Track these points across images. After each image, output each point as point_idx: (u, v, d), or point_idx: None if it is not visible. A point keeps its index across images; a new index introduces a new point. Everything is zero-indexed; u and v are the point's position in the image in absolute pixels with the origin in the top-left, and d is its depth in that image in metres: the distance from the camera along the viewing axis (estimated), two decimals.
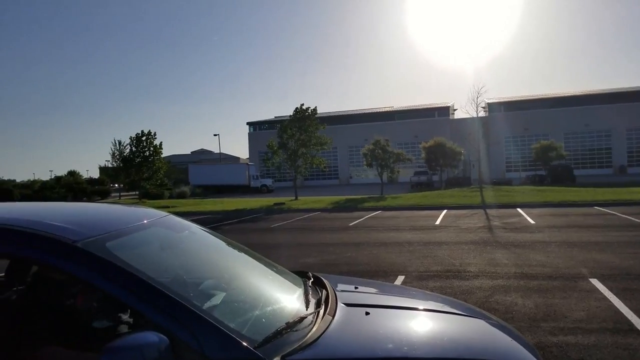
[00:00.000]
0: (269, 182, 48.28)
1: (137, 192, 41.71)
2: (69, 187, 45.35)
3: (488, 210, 17.86)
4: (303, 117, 30.00)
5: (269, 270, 2.56)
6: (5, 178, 75.17)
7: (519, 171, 47.99)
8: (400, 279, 7.14)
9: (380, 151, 31.52)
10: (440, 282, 6.85)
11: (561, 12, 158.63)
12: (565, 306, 5.42)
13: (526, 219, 14.42)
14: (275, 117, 61.11)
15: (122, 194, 48.44)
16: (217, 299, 1.97)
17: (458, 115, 55.65)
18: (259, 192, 44.84)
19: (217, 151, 68.64)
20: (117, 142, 38.52)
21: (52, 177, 77.50)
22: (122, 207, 2.75)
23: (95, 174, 69.47)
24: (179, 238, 2.52)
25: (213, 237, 2.74)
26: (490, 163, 49.68)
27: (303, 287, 2.42)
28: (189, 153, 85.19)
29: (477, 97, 27.05)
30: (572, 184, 32.86)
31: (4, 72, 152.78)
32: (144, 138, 37.07)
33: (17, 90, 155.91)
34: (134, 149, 37.03)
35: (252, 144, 61.45)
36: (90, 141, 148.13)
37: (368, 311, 2.15)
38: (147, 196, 40.28)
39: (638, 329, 4.58)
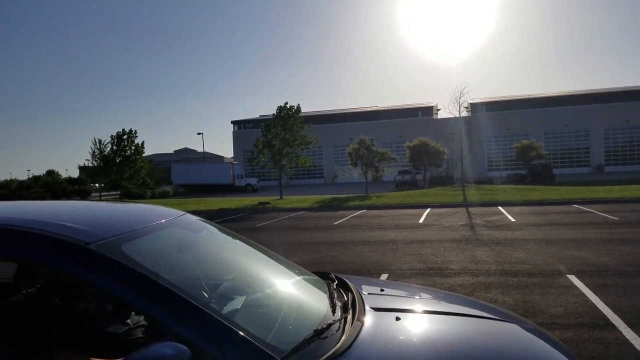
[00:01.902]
0: (253, 181, 48.08)
1: (118, 192, 41.18)
2: (48, 186, 44.58)
3: (470, 209, 18.11)
4: (287, 116, 29.99)
5: (290, 272, 2.44)
6: None
7: (501, 170, 48.70)
8: (383, 277, 7.22)
9: (365, 150, 31.69)
10: (423, 280, 6.95)
11: (542, 15, 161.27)
12: (543, 302, 5.56)
13: (507, 217, 14.67)
14: (260, 115, 60.90)
15: (102, 193, 47.76)
16: (237, 303, 1.86)
17: (442, 115, 56.24)
18: (244, 192, 44.64)
19: (200, 150, 68.09)
20: (97, 140, 37.96)
21: (30, 176, 76.15)
22: (137, 206, 2.66)
23: (75, 174, 68.39)
24: (197, 238, 2.41)
25: (231, 237, 2.62)
26: (472, 162, 50.24)
27: (327, 290, 2.28)
28: (172, 152, 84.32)
29: (460, 98, 27.42)
30: (552, 182, 33.50)
31: None
32: (125, 137, 36.59)
33: None
34: (114, 147, 36.53)
35: (236, 143, 61.12)
36: (69, 140, 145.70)
37: (398, 316, 2.04)
38: (129, 196, 39.79)
39: (613, 324, 4.71)
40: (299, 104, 30.67)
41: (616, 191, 21.26)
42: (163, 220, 2.18)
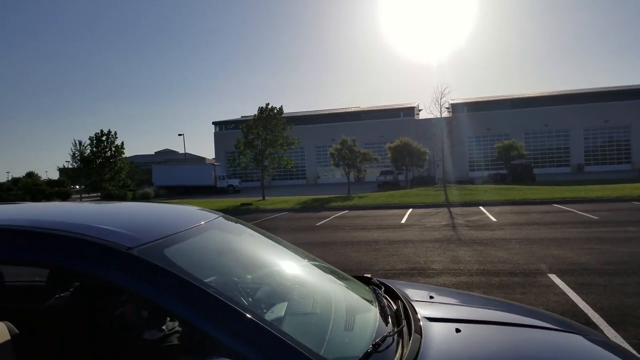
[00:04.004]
0: (235, 182, 47.76)
1: (98, 194, 40.49)
2: (27, 189, 43.64)
3: (452, 209, 18.19)
4: (269, 117, 29.81)
5: (332, 276, 2.31)
6: None
7: (482, 170, 49.26)
8: None
9: (347, 151, 31.68)
10: (405, 280, 6.88)
11: (521, 16, 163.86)
12: (525, 301, 5.53)
13: (488, 217, 14.76)
14: (242, 116, 60.54)
15: (83, 195, 46.90)
16: (279, 310, 1.74)
17: (423, 115, 56.70)
18: (226, 193, 44.32)
19: (182, 151, 67.35)
20: (77, 142, 37.35)
21: (9, 178, 74.57)
22: (174, 207, 2.53)
23: (55, 175, 67.06)
24: (235, 241, 2.32)
25: (267, 238, 2.49)
26: (454, 162, 50.73)
27: (374, 297, 2.14)
28: (153, 153, 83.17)
29: (441, 98, 27.54)
30: (532, 182, 33.99)
31: None
32: (104, 138, 36.06)
33: None
34: (94, 149, 35.94)
35: (218, 144, 60.66)
36: (49, 142, 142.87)
37: (459, 328, 1.88)
38: (110, 198, 39.12)
39: (594, 322, 4.71)
40: (281, 105, 30.61)
41: (596, 190, 21.62)
42: (202, 223, 2.06)
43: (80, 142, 37.24)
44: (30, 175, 72.02)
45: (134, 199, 40.47)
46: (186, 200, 34.30)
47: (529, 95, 57.77)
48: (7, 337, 1.84)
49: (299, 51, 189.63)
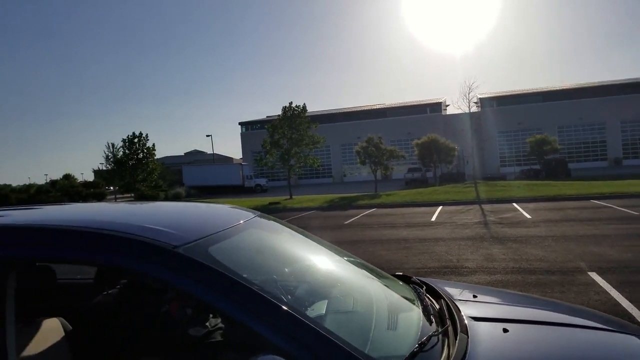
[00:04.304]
0: (263, 181, 48.14)
1: (132, 194, 41.47)
2: (65, 190, 45.07)
3: (483, 206, 17.81)
4: (293, 116, 29.84)
5: (371, 275, 2.29)
6: (1, 183, 74.88)
7: (513, 166, 48.08)
8: None
9: (373, 148, 31.42)
10: (438, 279, 6.75)
11: (553, 5, 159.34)
12: (564, 300, 5.32)
13: (522, 214, 14.37)
14: (267, 116, 60.91)
15: (117, 196, 48.14)
16: (320, 308, 1.72)
17: (450, 111, 55.76)
18: (253, 192, 44.68)
19: (210, 152, 68.29)
20: (110, 144, 38.33)
21: (48, 181, 77.21)
22: (214, 207, 2.59)
23: (90, 177, 69.05)
24: (273, 239, 2.34)
25: (305, 236, 2.49)
26: (484, 158, 49.80)
27: (416, 296, 2.10)
28: (183, 154, 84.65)
29: (469, 93, 26.98)
30: (567, 177, 32.95)
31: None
32: (136, 140, 36.86)
33: (11, 95, 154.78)
34: (127, 151, 36.82)
35: (244, 144, 61.23)
36: (84, 144, 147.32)
37: (506, 328, 1.82)
38: (143, 198, 40.00)
39: (639, 321, 4.51)
40: (304, 104, 30.57)
41: (635, 185, 20.75)
42: (241, 221, 2.10)
43: (113, 145, 38.22)
44: (67, 177, 74.35)
45: (166, 199, 41.26)
46: (216, 199, 34.75)
47: (562, 88, 56.00)
48: (62, 333, 1.91)
49: (322, 50, 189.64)
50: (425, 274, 7.08)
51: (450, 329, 1.76)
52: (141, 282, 2.29)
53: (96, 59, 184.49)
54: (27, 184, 76.37)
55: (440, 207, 18.17)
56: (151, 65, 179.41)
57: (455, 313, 1.91)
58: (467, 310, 1.99)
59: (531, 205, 16.88)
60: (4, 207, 2.74)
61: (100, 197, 46.41)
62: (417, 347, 1.53)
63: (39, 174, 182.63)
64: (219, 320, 2.18)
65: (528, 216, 13.67)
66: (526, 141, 40.40)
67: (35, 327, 1.80)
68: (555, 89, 56.20)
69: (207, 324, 2.17)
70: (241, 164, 51.76)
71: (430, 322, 1.82)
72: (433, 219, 14.60)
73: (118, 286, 2.52)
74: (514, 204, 17.45)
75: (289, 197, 29.28)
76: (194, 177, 49.50)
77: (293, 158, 30.11)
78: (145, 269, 1.48)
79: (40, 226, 1.66)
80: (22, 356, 1.60)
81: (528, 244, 9.11)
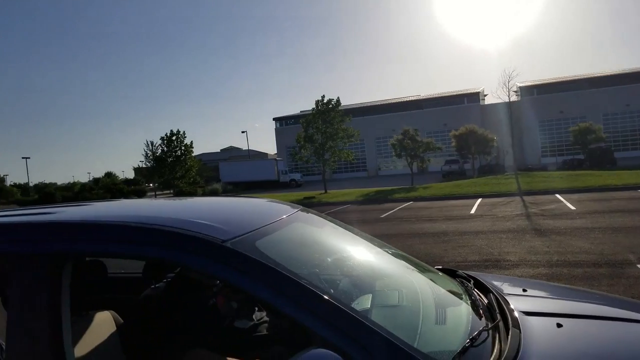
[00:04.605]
0: (297, 176, 48.42)
1: (171, 191, 42.60)
2: (107, 188, 46.79)
3: (525, 198, 17.31)
4: (327, 110, 29.77)
5: (415, 268, 2.26)
6: (47, 182, 78.66)
7: (555, 156, 46.44)
8: None
9: (409, 141, 31.03)
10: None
11: None
12: (614, 293, 5.12)
13: (566, 205, 13.88)
14: (301, 111, 61.05)
15: (157, 192, 49.51)
16: (365, 302, 1.70)
17: (489, 100, 54.36)
18: (288, 187, 45.01)
19: (245, 148, 69.28)
20: (149, 142, 39.38)
21: (91, 179, 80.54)
22: (256, 201, 2.60)
23: (131, 175, 71.34)
24: (316, 233, 2.34)
25: (347, 230, 2.47)
26: (524, 149, 48.38)
27: (463, 290, 2.06)
28: (219, 151, 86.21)
29: (509, 81, 26.24)
30: (613, 167, 31.56)
31: (43, 81, 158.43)
32: (174, 138, 37.74)
33: (56, 97, 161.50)
34: (165, 149, 37.77)
35: (279, 139, 61.71)
36: (124, 143, 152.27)
37: (560, 322, 1.74)
38: (181, 194, 41.00)
39: None
40: (338, 97, 30.37)
41: None
42: (286, 215, 2.10)
43: (152, 143, 39.24)
44: (109, 175, 77.15)
45: (204, 195, 42.14)
46: (252, 195, 35.22)
47: (606, 74, 53.34)
48: (114, 326, 1.96)
49: (358, 44, 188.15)
50: (466, 267, 6.95)
51: (501, 324, 1.71)
52: (188, 275, 2.32)
53: (135, 60, 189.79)
54: (71, 182, 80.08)
55: (479, 200, 17.78)
56: (188, 64, 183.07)
57: (505, 307, 1.84)
58: (517, 305, 1.93)
59: (575, 196, 16.28)
60: (54, 204, 2.83)
61: (140, 194, 47.85)
62: (469, 342, 1.49)
63: (83, 172, 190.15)
64: (264, 313, 2.21)
65: (572, 207, 13.19)
66: (569, 130, 38.92)
67: (88, 320, 1.85)
68: (599, 75, 53.61)
69: (253, 316, 2.20)
70: (276, 159, 52.26)
71: (480, 317, 1.76)
72: (472, 211, 14.30)
73: (165, 280, 2.59)
74: (557, 195, 16.88)
75: (323, 191, 29.35)
76: (230, 173, 50.36)
77: (327, 152, 30.11)
78: (194, 263, 1.50)
79: (92, 222, 1.70)
80: (76, 348, 1.63)
81: (573, 236, 8.79)
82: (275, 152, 64.54)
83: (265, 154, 75.35)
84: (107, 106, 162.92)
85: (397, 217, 14.55)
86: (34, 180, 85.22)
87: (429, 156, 33.61)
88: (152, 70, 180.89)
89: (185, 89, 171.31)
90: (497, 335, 1.62)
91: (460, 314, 1.81)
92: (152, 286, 2.58)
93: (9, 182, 75.56)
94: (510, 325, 1.68)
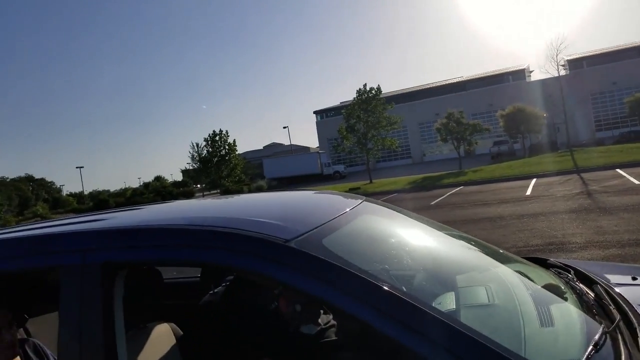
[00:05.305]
0: (341, 168, 48.31)
1: (218, 190, 43.59)
2: (157, 191, 48.56)
3: (583, 175, 16.45)
4: (368, 99, 29.41)
5: (500, 259, 1.98)
6: (101, 189, 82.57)
7: (611, 130, 43.99)
8: None
9: (454, 124, 30.22)
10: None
11: None
12: None
13: (630, 180, 13.06)
14: (341, 102, 60.77)
15: (204, 193, 50.83)
16: (448, 301, 1.50)
17: (535, 77, 52.05)
18: (332, 179, 44.97)
19: (287, 143, 69.80)
20: (194, 144, 40.40)
21: (141, 183, 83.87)
22: (316, 195, 2.42)
23: (179, 177, 73.58)
24: (386, 225, 2.13)
25: (416, 220, 2.21)
26: (576, 124, 46.05)
27: (563, 282, 1.79)
28: (262, 148, 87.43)
29: (557, 55, 24.98)
30: None
31: (92, 91, 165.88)
32: (217, 138, 38.52)
33: (104, 104, 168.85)
34: (209, 149, 38.63)
35: (320, 132, 61.70)
36: (172, 146, 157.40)
37: None
38: (228, 193, 41.86)
39: None
40: (379, 85, 29.98)
41: None
42: (350, 208, 1.90)
43: (197, 144, 40.24)
44: (158, 178, 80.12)
45: (250, 192, 42.85)
46: (302, 188, 35.44)
47: None
48: (173, 339, 1.85)
49: (396, 29, 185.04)
50: (528, 252, 6.63)
51: (621, 323, 1.46)
52: (250, 279, 2.10)
53: (179, 63, 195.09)
54: (123, 187, 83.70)
55: (534, 180, 17.05)
56: (230, 64, 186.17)
57: (621, 301, 1.59)
58: (633, 297, 1.66)
59: (638, 169, 15.28)
60: (105, 210, 2.72)
61: (189, 195, 49.28)
62: (592, 348, 1.26)
63: (134, 178, 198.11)
64: (330, 316, 2.05)
65: (636, 182, 12.40)
66: (624, 101, 36.73)
67: (147, 333, 1.73)
68: None
69: (319, 320, 2.04)
70: (318, 152, 52.38)
71: (593, 316, 1.52)
72: (528, 192, 13.71)
73: (224, 284, 2.44)
74: (618, 170, 15.93)
75: (368, 181, 29.10)
76: (273, 169, 50.92)
77: (370, 141, 29.79)
78: (256, 266, 1.34)
79: (146, 227, 1.59)
80: None
81: None
82: (317, 145, 64.67)
83: (308, 148, 75.73)
84: (154, 111, 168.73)
85: (448, 203, 14.17)
86: (88, 189, 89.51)
87: (476, 138, 32.63)
88: (196, 72, 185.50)
89: (226, 88, 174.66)
90: (620, 337, 1.37)
91: (569, 313, 1.58)
92: (211, 292, 2.42)
93: (65, 192, 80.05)
94: (636, 324, 1.44)
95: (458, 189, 18.43)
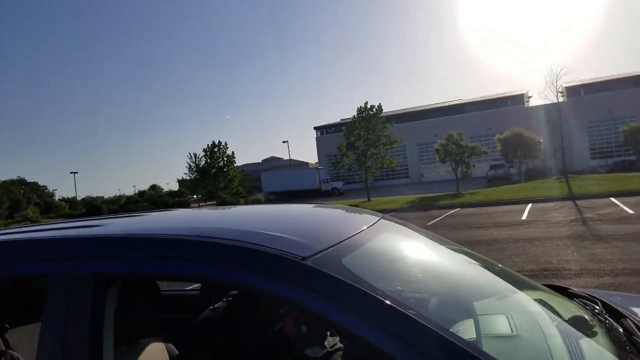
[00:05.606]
0: (339, 185, 48.49)
1: (214, 202, 43.59)
2: (152, 200, 48.49)
3: (578, 202, 16.70)
4: (368, 117, 29.75)
5: (520, 286, 1.87)
6: (94, 195, 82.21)
7: (605, 158, 44.52)
8: None
9: (453, 146, 30.55)
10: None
11: None
12: None
13: (623, 209, 13.31)
14: (342, 119, 61.23)
15: (200, 204, 50.79)
16: (468, 330, 1.38)
17: (534, 102, 52.75)
18: (330, 196, 45.09)
19: (286, 157, 70.06)
20: (192, 155, 40.56)
21: (136, 191, 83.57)
22: (332, 210, 2.27)
23: (175, 187, 73.51)
24: (406, 244, 2.00)
25: (435, 240, 2.10)
26: (572, 151, 46.56)
27: (589, 314, 1.71)
28: (260, 161, 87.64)
29: (557, 81, 25.43)
30: None
31: (87, 98, 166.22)
32: (216, 149, 38.70)
33: (101, 112, 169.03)
34: (208, 160, 38.77)
35: (320, 148, 62.03)
36: (169, 155, 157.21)
37: None
38: (225, 205, 41.86)
39: None
40: (380, 103, 30.36)
41: None
42: (368, 226, 1.78)
43: (195, 155, 40.40)
44: (153, 187, 79.90)
45: (247, 205, 42.76)
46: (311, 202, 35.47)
47: None
48: (167, 358, 1.69)
49: (397, 50, 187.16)
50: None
51: None
52: (254, 296, 1.94)
53: (178, 73, 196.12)
54: (117, 195, 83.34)
55: (529, 205, 17.28)
56: (229, 76, 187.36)
57: None
58: None
59: (632, 199, 15.56)
60: (100, 216, 2.51)
61: (184, 206, 49.15)
62: None
63: (129, 186, 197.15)
64: (337, 339, 1.94)
65: (630, 211, 12.63)
66: (619, 130, 37.32)
67: (138, 351, 1.56)
68: None
69: (325, 343, 1.92)
70: (317, 168, 52.57)
71: (626, 353, 1.42)
72: (524, 217, 13.93)
73: (226, 299, 2.27)
74: (612, 199, 16.20)
75: (366, 199, 29.27)
76: (272, 183, 51.00)
77: (370, 159, 30.05)
78: (264, 286, 1.22)
79: (147, 236, 1.45)
80: None
81: (636, 241, 8.44)
82: (317, 161, 64.94)
83: (307, 164, 75.93)
84: (151, 120, 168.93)
85: (445, 224, 14.35)
86: (81, 195, 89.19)
87: (474, 161, 32.99)
88: (196, 83, 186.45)
89: (226, 101, 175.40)
90: None
91: (600, 349, 1.47)
92: (212, 307, 2.24)
93: (57, 196, 79.66)
94: None
95: (455, 210, 18.63)
